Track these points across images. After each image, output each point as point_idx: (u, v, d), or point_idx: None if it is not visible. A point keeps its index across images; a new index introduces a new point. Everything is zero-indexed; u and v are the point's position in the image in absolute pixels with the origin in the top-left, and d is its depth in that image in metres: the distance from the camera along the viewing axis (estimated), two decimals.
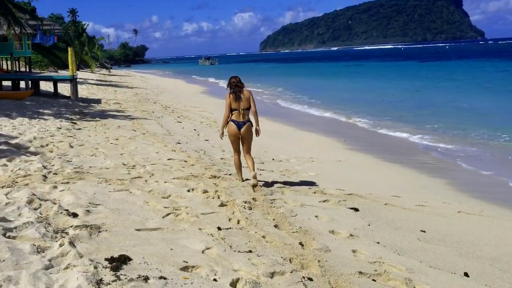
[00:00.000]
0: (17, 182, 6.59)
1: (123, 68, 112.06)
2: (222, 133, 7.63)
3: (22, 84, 24.19)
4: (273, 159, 10.29)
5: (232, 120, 7.31)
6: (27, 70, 35.34)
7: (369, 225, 5.77)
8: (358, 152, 12.49)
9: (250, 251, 4.42)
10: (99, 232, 4.61)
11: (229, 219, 5.44)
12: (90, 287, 3.36)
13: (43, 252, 3.98)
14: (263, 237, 4.88)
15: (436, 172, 10.21)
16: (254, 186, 7.11)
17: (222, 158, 9.78)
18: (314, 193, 7.20)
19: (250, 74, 57.29)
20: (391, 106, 23.77)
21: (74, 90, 22.45)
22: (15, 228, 4.48)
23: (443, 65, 65.77)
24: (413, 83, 37.70)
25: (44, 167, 7.67)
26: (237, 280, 3.73)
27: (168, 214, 5.47)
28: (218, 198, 6.34)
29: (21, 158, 8.32)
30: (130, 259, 3.92)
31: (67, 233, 4.49)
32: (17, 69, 33.15)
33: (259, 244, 4.64)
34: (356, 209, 6.37)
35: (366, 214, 6.24)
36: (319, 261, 4.33)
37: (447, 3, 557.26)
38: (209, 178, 7.56)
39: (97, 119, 15.70)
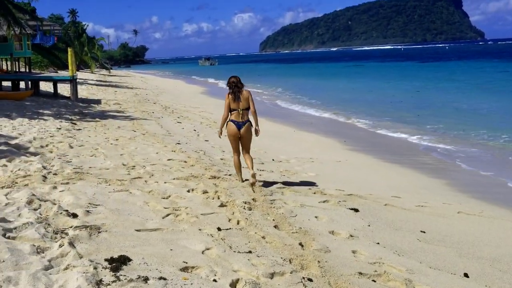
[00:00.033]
0: (16, 183, 6.59)
1: (123, 68, 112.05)
2: (221, 132, 7.66)
3: (22, 84, 24.19)
4: (273, 160, 10.28)
5: (232, 120, 7.35)
6: (27, 70, 35.32)
7: (369, 225, 5.77)
8: (358, 152, 12.48)
9: (250, 252, 4.42)
10: (99, 232, 4.61)
11: (229, 220, 5.44)
12: None
13: (43, 253, 3.98)
14: (263, 237, 4.88)
15: (436, 172, 10.20)
16: (252, 184, 7.16)
17: (222, 159, 9.78)
18: (314, 193, 7.20)
19: (250, 74, 57.29)
20: (391, 106, 23.77)
21: (74, 90, 22.45)
22: (15, 228, 4.48)
23: (443, 66, 65.80)
24: (413, 83, 37.69)
25: (44, 167, 7.67)
26: (237, 280, 3.73)
27: (168, 215, 5.47)
28: (218, 198, 6.34)
29: (21, 158, 8.32)
30: (130, 260, 3.92)
31: (67, 234, 4.48)
32: (17, 70, 33.14)
33: (259, 245, 4.64)
34: (356, 210, 6.36)
35: (366, 214, 6.24)
36: (319, 261, 4.32)
37: (447, 4, 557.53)
38: (209, 178, 7.56)
39: (97, 119, 15.70)
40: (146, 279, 3.56)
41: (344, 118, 19.92)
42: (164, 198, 6.25)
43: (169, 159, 9.14)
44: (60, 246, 4.08)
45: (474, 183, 9.39)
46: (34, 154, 8.93)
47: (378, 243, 5.13)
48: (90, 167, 8.01)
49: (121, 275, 3.61)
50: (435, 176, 9.81)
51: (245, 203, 6.13)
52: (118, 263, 3.83)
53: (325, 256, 4.53)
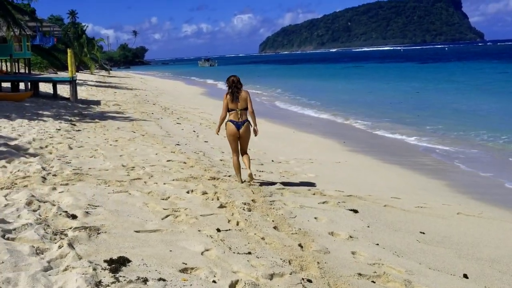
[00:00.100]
0: (16, 184, 6.58)
1: (123, 69, 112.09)
2: (219, 129, 7.76)
3: (22, 85, 24.17)
4: (272, 161, 10.29)
5: (231, 121, 7.41)
6: (27, 71, 35.33)
7: (368, 226, 5.76)
8: (358, 153, 12.49)
9: (250, 253, 4.42)
10: (98, 233, 4.60)
11: (228, 221, 5.44)
12: None
13: (42, 254, 3.97)
14: (262, 238, 4.88)
15: (435, 173, 10.21)
16: (249, 180, 7.31)
17: (221, 160, 9.79)
18: (314, 194, 7.20)
19: (249, 75, 57.30)
20: (390, 107, 23.78)
21: (74, 91, 22.45)
22: (14, 229, 4.47)
23: (442, 67, 65.85)
24: (412, 84, 37.73)
25: (43, 168, 7.67)
26: (236, 281, 3.73)
27: (167, 216, 5.46)
28: (218, 199, 6.34)
29: (20, 159, 8.32)
30: (129, 261, 3.92)
31: (66, 235, 4.48)
32: (17, 71, 33.13)
33: (258, 246, 4.64)
34: (356, 211, 6.37)
35: (366, 215, 6.24)
36: (318, 262, 4.32)
37: (447, 5, 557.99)
38: (208, 179, 7.56)
39: (97, 120, 15.70)
40: (145, 280, 3.56)
41: (344, 119, 19.93)
42: (163, 199, 6.25)
43: (169, 160, 9.14)
44: (60, 247, 4.08)
45: (473, 184, 9.40)
46: (34, 155, 8.93)
47: (378, 244, 5.13)
48: (89, 168, 8.00)
49: (120, 276, 3.61)
50: (435, 177, 9.82)
51: (245, 204, 6.13)
52: (117, 264, 3.83)
53: (325, 257, 4.53)
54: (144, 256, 4.07)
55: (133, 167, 8.29)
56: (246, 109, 7.39)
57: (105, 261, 3.89)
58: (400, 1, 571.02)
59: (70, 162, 8.49)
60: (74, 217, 5.08)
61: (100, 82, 44.49)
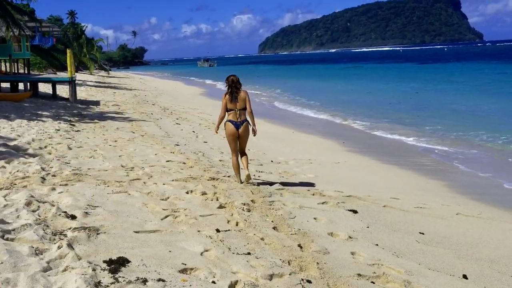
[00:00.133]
0: (15, 184, 6.58)
1: (122, 70, 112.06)
2: (217, 128, 7.83)
3: (21, 86, 24.17)
4: (271, 161, 10.29)
5: (230, 121, 7.44)
6: (26, 72, 35.32)
7: (367, 227, 5.77)
8: (357, 154, 12.49)
9: (249, 253, 4.41)
10: (98, 234, 4.60)
11: (228, 221, 5.44)
12: None
13: (42, 254, 3.97)
14: (262, 239, 4.87)
15: (434, 174, 10.22)
16: (247, 181, 7.38)
17: (220, 160, 9.78)
18: (313, 195, 7.20)
19: (248, 76, 57.29)
20: (389, 108, 23.79)
21: (73, 92, 22.45)
22: (13, 230, 4.47)
23: (441, 67, 65.90)
24: (411, 85, 37.75)
25: (43, 169, 7.66)
26: (236, 282, 3.73)
27: (166, 216, 5.46)
28: (217, 200, 6.34)
29: (19, 160, 8.31)
30: (128, 261, 3.92)
31: (65, 235, 4.48)
32: (16, 71, 33.13)
33: (257, 246, 4.64)
34: (355, 211, 6.37)
35: (365, 216, 6.24)
36: (317, 263, 4.32)
37: (446, 5, 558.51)
38: (208, 180, 7.55)
39: (96, 121, 15.70)
40: (144, 281, 3.56)
41: (343, 120, 19.94)
42: (162, 200, 6.25)
43: (168, 161, 9.14)
44: (59, 247, 4.08)
45: (472, 184, 9.41)
46: (33, 155, 8.92)
47: (377, 245, 5.13)
48: (88, 169, 8.00)
49: (119, 276, 3.61)
50: (434, 178, 9.82)
51: (244, 204, 6.13)
52: (116, 264, 3.83)
53: (324, 257, 4.53)
54: (143, 257, 4.07)
55: (133, 168, 8.28)
56: (244, 109, 7.43)
57: (104, 261, 3.89)
58: (399, 2, 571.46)
59: (69, 163, 8.48)
60: (73, 217, 5.08)
61: (99, 82, 44.47)
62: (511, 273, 4.76)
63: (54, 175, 7.29)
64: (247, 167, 7.45)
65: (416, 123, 18.18)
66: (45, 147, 10.00)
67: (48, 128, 12.79)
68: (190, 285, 3.60)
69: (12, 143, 9.98)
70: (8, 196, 5.82)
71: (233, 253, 4.39)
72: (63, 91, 26.65)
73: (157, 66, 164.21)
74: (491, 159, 11.86)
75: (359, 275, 4.19)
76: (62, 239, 4.32)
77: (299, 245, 4.78)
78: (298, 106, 25.63)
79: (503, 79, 38.91)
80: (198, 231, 4.99)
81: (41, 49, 39.03)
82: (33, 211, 5.20)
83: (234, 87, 7.36)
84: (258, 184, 7.61)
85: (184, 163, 9.00)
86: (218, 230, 5.03)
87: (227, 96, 7.41)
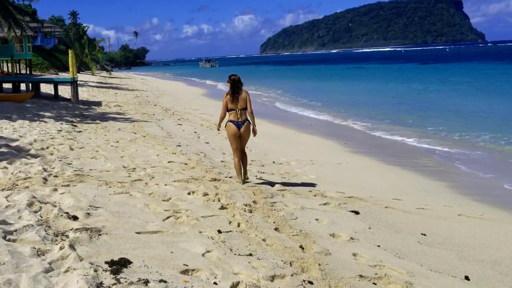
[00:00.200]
0: (17, 185, 6.59)
1: (124, 70, 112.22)
2: (219, 126, 7.93)
3: (23, 86, 24.21)
4: (273, 162, 10.28)
5: (231, 121, 7.48)
6: (28, 72, 35.38)
7: (369, 228, 5.76)
8: (359, 154, 12.48)
9: (251, 254, 4.41)
10: (99, 235, 4.60)
11: (230, 222, 5.44)
12: None
13: (43, 255, 3.97)
14: (264, 240, 4.87)
15: (436, 175, 10.20)
16: (244, 179, 7.59)
17: (222, 161, 9.78)
18: (315, 196, 7.20)
19: (250, 76, 57.30)
20: (391, 108, 23.78)
21: (75, 92, 22.47)
22: (15, 231, 4.47)
23: (443, 68, 65.82)
24: (414, 85, 37.73)
25: (45, 169, 7.67)
26: (238, 283, 3.73)
27: (168, 217, 5.46)
28: (219, 201, 6.34)
29: (21, 160, 8.33)
30: (130, 262, 3.92)
31: (67, 236, 4.48)
32: (18, 72, 33.18)
33: (259, 247, 4.64)
34: (357, 212, 6.36)
35: (367, 217, 6.23)
36: (319, 264, 4.32)
37: (448, 6, 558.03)
38: (210, 181, 7.56)
39: (98, 121, 15.71)
40: (146, 282, 3.56)
41: (345, 120, 19.92)
42: (164, 201, 6.25)
43: (170, 161, 9.14)
44: (61, 248, 4.08)
45: (474, 185, 9.39)
46: (35, 156, 8.93)
47: (379, 246, 5.13)
48: (90, 169, 8.01)
49: (121, 277, 3.61)
50: (436, 179, 9.81)
51: (246, 205, 6.13)
52: (118, 265, 3.83)
53: (326, 258, 4.52)
54: (145, 258, 4.07)
55: (134, 168, 8.29)
56: (245, 109, 7.50)
57: (106, 262, 3.89)
58: (401, 2, 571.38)
59: (71, 163, 8.49)
60: (75, 218, 5.08)
61: (101, 83, 44.53)
62: None
63: (56, 176, 7.30)
64: (246, 166, 7.67)
65: (418, 123, 18.16)
66: (47, 147, 10.01)
67: (50, 129, 12.81)
68: (192, 286, 3.60)
69: (14, 144, 9.99)
70: (10, 197, 5.82)
71: (235, 254, 4.39)
72: (65, 91, 26.70)
73: (159, 66, 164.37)
74: (493, 160, 11.84)
75: (361, 276, 4.19)
76: (64, 240, 4.32)
77: (301, 246, 4.78)
78: (299, 107, 25.62)
79: (505, 79, 38.83)
80: (200, 232, 4.99)
81: (43, 49, 39.16)
82: (35, 212, 5.21)
83: (236, 87, 7.40)
84: (256, 184, 7.62)
85: (186, 164, 9.01)
86: (219, 231, 5.03)
87: (228, 96, 7.46)
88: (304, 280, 3.93)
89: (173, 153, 10.29)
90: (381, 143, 14.63)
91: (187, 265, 4.00)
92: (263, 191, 7.09)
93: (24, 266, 3.68)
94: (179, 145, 11.50)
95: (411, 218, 6.45)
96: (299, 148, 13.06)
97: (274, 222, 5.60)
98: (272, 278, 3.91)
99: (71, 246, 4.13)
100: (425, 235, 5.72)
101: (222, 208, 6.01)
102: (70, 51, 23.51)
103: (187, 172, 8.19)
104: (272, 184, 7.75)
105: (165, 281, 3.61)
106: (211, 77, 60.60)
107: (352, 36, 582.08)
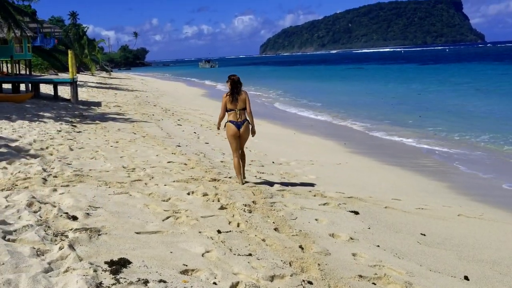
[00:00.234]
0: (17, 185, 6.58)
1: (123, 71, 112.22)
2: (219, 125, 7.97)
3: (22, 87, 24.21)
4: (273, 162, 10.29)
5: (231, 121, 7.49)
6: (27, 73, 35.39)
7: (369, 228, 5.76)
8: (358, 155, 12.49)
9: (250, 254, 4.41)
10: (99, 235, 4.60)
11: (229, 222, 5.44)
12: None
13: (43, 255, 3.97)
14: (263, 240, 4.87)
15: (436, 175, 10.21)
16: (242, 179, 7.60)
17: (222, 161, 9.78)
18: (314, 196, 7.20)
19: (250, 77, 57.32)
20: (391, 109, 23.79)
21: (74, 93, 22.47)
22: (15, 231, 4.47)
23: (443, 68, 65.84)
24: (413, 86, 37.75)
25: (44, 170, 7.67)
26: (237, 283, 3.73)
27: (168, 217, 5.46)
28: (218, 201, 6.34)
29: (21, 161, 8.32)
30: (129, 262, 3.92)
31: (66, 236, 4.48)
32: (17, 72, 33.18)
33: (259, 247, 4.64)
34: (356, 212, 6.36)
35: (366, 217, 6.24)
36: (319, 264, 4.32)
37: (447, 6, 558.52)
38: (209, 181, 7.56)
39: (97, 122, 15.71)
40: (146, 282, 3.56)
41: (344, 121, 19.93)
42: (164, 201, 6.25)
43: (169, 162, 9.14)
44: (60, 248, 4.08)
45: (474, 185, 9.39)
46: (34, 156, 8.93)
47: (378, 246, 5.13)
48: (90, 170, 8.01)
49: (121, 277, 3.61)
50: (435, 179, 9.81)
51: (245, 205, 6.13)
52: (118, 265, 3.83)
53: (325, 259, 4.52)
54: (144, 258, 4.07)
55: (134, 169, 8.29)
56: (244, 109, 7.52)
57: (105, 262, 3.89)
58: (401, 3, 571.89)
59: (70, 164, 8.49)
60: (74, 218, 5.08)
61: (100, 83, 44.52)
62: None
63: (55, 176, 7.29)
64: (244, 166, 7.71)
65: (418, 124, 18.17)
66: (47, 148, 10.01)
67: (50, 129, 12.81)
68: (192, 286, 3.60)
69: (13, 144, 9.99)
70: (10, 197, 5.82)
71: (234, 254, 4.39)
72: (64, 92, 26.70)
73: (159, 67, 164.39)
74: (493, 160, 11.84)
75: (360, 276, 4.19)
76: (63, 240, 4.32)
77: (300, 246, 4.78)
78: (299, 107, 25.63)
79: (505, 80, 38.86)
80: (199, 232, 4.99)
81: (42, 50, 39.17)
82: (35, 212, 5.21)
83: (235, 88, 7.41)
84: (256, 183, 7.63)
85: (186, 164, 9.01)
86: (219, 231, 5.03)
87: (227, 96, 7.48)
88: (303, 280, 3.93)
89: (172, 153, 10.29)
90: (381, 144, 14.63)
91: (186, 265, 4.00)
92: (263, 191, 7.09)
93: (23, 266, 3.68)
94: (179, 146, 11.50)
95: (411, 218, 6.45)
96: (299, 148, 13.06)
97: (273, 222, 5.60)
98: (272, 278, 3.91)
99: (71, 246, 4.13)
100: (424, 235, 5.72)
101: (222, 208, 6.01)
102: (69, 52, 23.51)
103: (187, 172, 8.19)
104: (271, 184, 7.75)
105: (164, 281, 3.61)
106: (211, 78, 60.65)
107: (351, 36, 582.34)
